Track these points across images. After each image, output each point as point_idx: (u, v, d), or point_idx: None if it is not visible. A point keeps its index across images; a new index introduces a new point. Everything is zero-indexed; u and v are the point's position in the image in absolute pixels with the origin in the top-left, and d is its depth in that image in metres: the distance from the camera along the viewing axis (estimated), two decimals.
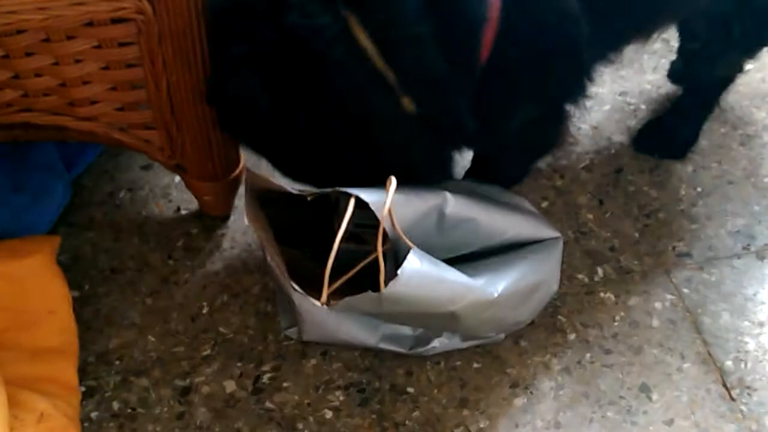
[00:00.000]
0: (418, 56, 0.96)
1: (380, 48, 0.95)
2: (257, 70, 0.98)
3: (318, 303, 1.04)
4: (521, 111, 1.09)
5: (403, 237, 1.02)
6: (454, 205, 1.06)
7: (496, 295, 1.04)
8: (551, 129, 1.18)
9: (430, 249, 1.04)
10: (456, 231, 1.08)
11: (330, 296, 1.05)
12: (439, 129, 1.03)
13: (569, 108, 1.14)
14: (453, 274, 1.03)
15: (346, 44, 0.94)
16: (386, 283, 0.99)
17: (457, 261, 1.07)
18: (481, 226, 1.09)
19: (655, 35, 1.24)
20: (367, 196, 1.00)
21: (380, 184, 1.02)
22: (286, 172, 1.11)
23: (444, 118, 1.02)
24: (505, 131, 1.12)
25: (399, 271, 0.97)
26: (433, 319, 1.08)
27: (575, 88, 1.11)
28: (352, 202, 1.01)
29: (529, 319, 1.15)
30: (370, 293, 1.00)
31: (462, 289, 1.03)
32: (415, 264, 0.99)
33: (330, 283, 1.03)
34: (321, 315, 1.07)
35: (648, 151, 1.37)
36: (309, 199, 1.07)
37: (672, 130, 1.38)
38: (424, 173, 1.09)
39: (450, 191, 1.07)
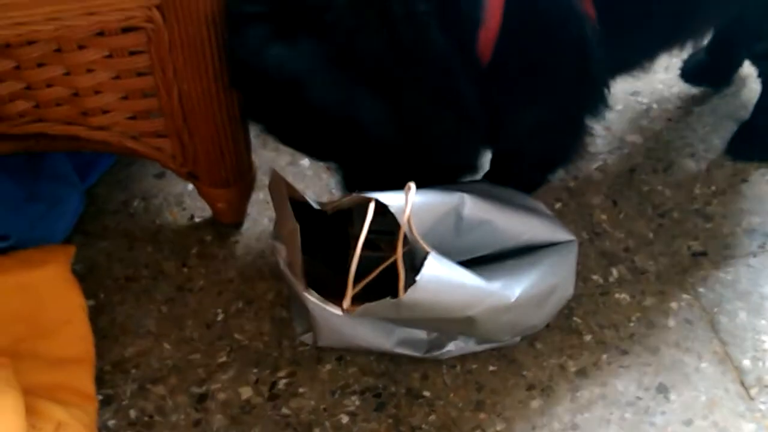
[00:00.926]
0: (418, 34, 0.95)
1: (385, 25, 0.94)
2: (267, 24, 0.97)
3: (338, 311, 1.04)
4: (529, 113, 1.08)
5: (421, 242, 1.01)
6: (471, 206, 1.06)
7: (513, 299, 1.04)
8: (568, 141, 1.17)
9: (446, 251, 1.03)
10: (473, 233, 1.07)
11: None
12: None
13: (587, 120, 1.13)
14: (471, 279, 1.02)
15: (358, 17, 0.94)
16: (405, 289, 0.99)
17: (471, 264, 1.06)
18: (498, 228, 1.09)
19: (692, 42, 1.22)
20: (387, 199, 1.00)
21: (388, 172, 1.01)
22: (296, 146, 1.11)
23: (448, 99, 1.00)
24: (515, 133, 1.11)
25: (418, 278, 0.97)
26: (450, 324, 1.08)
27: (588, 95, 1.09)
28: (372, 205, 1.00)
29: (544, 322, 1.14)
30: (389, 300, 1.00)
31: (480, 294, 1.02)
32: (434, 269, 0.99)
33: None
34: (336, 320, 1.07)
35: (748, 157, 1.35)
36: (329, 213, 1.07)
37: (764, 131, 1.36)
38: (444, 154, 1.07)
39: (467, 192, 1.07)
